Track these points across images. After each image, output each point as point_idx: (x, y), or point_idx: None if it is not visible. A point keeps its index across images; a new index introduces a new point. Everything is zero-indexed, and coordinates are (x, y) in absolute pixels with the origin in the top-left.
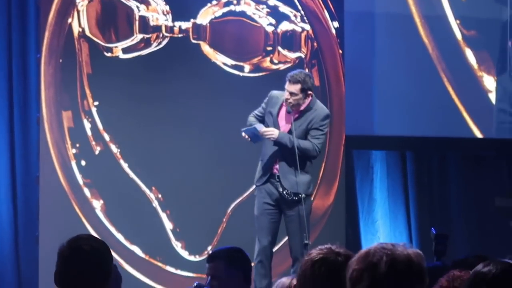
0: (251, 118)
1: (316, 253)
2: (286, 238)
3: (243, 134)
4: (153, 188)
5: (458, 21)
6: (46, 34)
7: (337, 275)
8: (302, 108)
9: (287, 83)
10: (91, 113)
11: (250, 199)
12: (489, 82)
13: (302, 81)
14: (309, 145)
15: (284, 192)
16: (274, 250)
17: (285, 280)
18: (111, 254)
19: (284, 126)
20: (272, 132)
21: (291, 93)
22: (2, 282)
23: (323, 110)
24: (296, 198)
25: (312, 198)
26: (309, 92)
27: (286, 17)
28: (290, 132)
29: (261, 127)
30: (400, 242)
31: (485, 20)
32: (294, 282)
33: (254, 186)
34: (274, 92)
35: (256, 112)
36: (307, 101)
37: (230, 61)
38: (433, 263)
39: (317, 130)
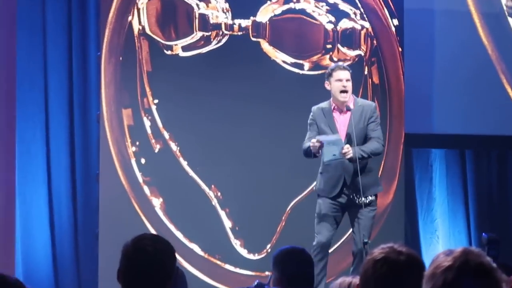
0: (308, 144)
1: (378, 252)
2: (346, 236)
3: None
4: (213, 186)
5: None
6: (106, 32)
7: (399, 274)
8: (350, 104)
9: (338, 72)
10: (151, 111)
11: (309, 198)
12: None
13: (349, 69)
14: (375, 145)
15: (354, 197)
16: (334, 247)
17: (346, 279)
18: (175, 256)
19: (343, 130)
20: (349, 151)
21: (348, 80)
22: (62, 279)
23: (368, 102)
24: (367, 201)
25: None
26: None
27: (345, 15)
28: (348, 136)
29: (341, 149)
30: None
31: None
32: (355, 281)
33: (313, 185)
34: (314, 107)
35: (308, 137)
36: (353, 97)
37: (290, 59)
38: None
39: (373, 123)
